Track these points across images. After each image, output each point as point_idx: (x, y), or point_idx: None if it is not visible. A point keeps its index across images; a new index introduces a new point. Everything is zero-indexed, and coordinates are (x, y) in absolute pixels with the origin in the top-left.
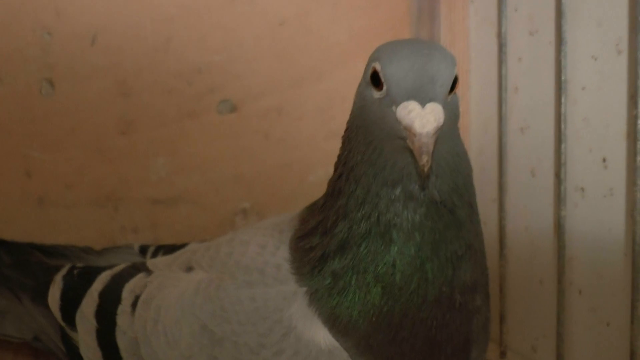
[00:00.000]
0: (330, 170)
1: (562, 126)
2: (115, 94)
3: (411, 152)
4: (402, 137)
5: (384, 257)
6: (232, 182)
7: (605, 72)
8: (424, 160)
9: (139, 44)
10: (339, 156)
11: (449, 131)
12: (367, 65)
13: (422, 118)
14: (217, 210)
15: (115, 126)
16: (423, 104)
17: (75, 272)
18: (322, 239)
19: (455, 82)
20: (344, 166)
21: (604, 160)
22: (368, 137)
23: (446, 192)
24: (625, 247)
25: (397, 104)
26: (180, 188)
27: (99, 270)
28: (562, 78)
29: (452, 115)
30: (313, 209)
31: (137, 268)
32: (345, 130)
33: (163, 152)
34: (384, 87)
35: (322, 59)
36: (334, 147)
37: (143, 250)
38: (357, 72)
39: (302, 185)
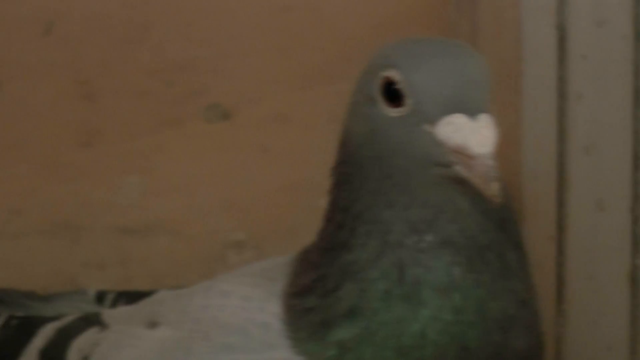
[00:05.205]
0: None
1: None
2: (76, 96)
3: (457, 182)
4: (443, 163)
5: (410, 326)
6: (223, 208)
7: None
8: (494, 189)
9: (106, 35)
10: (333, 201)
11: None
12: (369, 75)
13: (478, 135)
14: (203, 242)
15: (76, 137)
16: (472, 116)
17: (13, 323)
18: (322, 301)
19: None
20: (346, 213)
21: None
22: (384, 171)
23: (492, 230)
24: None
25: (433, 121)
26: (157, 214)
27: (42, 321)
28: None
29: None
30: (305, 261)
31: (90, 321)
32: (338, 166)
33: (135, 170)
34: (408, 102)
35: (336, 54)
36: None
37: (100, 297)
38: None
39: (310, 211)
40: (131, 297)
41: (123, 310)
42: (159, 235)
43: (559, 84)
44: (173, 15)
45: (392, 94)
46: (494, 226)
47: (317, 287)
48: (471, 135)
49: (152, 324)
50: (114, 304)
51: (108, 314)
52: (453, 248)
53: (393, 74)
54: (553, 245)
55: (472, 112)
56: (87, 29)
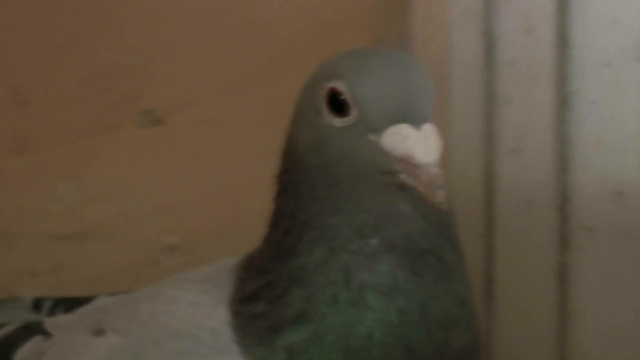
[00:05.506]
0: None
1: (566, 149)
2: (7, 103)
3: (402, 189)
4: (388, 172)
5: (357, 329)
6: (156, 213)
7: (622, 83)
8: (440, 196)
9: (36, 42)
10: (278, 210)
11: None
12: (314, 85)
13: (423, 144)
14: (137, 247)
15: (7, 144)
16: (417, 126)
17: None
18: (270, 307)
19: None
20: (292, 220)
21: (619, 193)
22: (330, 179)
23: (433, 234)
24: None
25: (379, 131)
26: (91, 220)
27: None
28: (567, 89)
29: None
30: (251, 267)
31: (32, 329)
32: (282, 174)
33: (68, 176)
34: (353, 112)
35: (269, 58)
36: None
37: (37, 304)
38: None
39: (243, 214)
40: (69, 303)
41: (66, 318)
42: (92, 241)
43: (486, 88)
44: (103, 21)
45: (337, 105)
46: (434, 230)
47: (264, 293)
48: (416, 144)
49: (99, 332)
50: (53, 311)
51: (50, 322)
52: (397, 252)
53: (338, 85)
54: (482, 243)
55: (416, 122)
56: (17, 36)
